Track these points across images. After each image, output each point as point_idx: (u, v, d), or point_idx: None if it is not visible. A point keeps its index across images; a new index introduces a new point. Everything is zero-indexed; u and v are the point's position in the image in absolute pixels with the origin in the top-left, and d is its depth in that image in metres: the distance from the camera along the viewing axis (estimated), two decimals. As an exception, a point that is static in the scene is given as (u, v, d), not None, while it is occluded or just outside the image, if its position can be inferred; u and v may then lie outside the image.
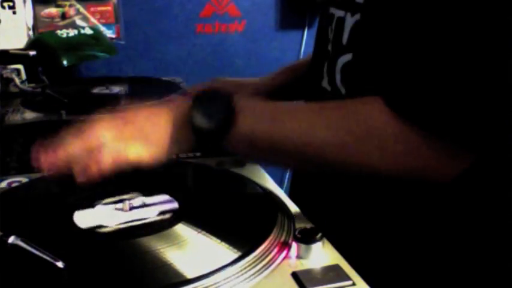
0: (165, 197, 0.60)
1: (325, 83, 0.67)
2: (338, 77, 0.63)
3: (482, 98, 0.48)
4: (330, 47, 0.66)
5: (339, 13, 0.64)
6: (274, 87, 0.90)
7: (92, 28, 1.27)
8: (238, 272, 0.45)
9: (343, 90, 0.63)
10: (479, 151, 0.51)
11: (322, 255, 0.49)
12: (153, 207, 0.57)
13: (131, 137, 0.56)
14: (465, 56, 0.48)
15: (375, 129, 0.52)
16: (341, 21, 0.63)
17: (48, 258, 0.45)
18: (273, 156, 0.58)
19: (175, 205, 0.58)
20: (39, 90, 1.11)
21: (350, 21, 0.61)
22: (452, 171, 0.52)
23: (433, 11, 0.50)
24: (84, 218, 0.55)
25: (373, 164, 0.53)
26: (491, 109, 0.48)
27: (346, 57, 0.62)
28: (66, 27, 1.27)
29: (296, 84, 0.89)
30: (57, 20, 1.34)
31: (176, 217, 0.55)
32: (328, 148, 0.54)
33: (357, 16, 0.60)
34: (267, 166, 0.72)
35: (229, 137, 0.56)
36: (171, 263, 0.46)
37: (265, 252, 0.48)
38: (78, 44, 1.19)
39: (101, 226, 0.54)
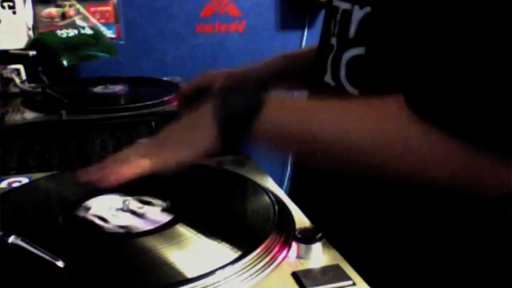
0: (165, 196, 0.59)
1: (328, 78, 0.65)
2: (343, 71, 0.62)
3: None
4: (334, 41, 0.65)
5: (345, 6, 0.62)
6: (266, 74, 0.89)
7: (92, 28, 1.27)
8: (238, 272, 0.45)
9: (347, 86, 0.61)
10: None
11: (322, 255, 0.49)
12: (152, 207, 0.57)
13: (159, 146, 0.61)
14: (495, 57, 0.45)
15: (410, 138, 0.50)
16: (347, 14, 0.61)
17: (48, 257, 0.45)
18: (297, 148, 0.58)
19: (175, 205, 0.58)
20: (39, 90, 1.11)
21: (358, 14, 0.59)
22: (502, 182, 0.49)
23: (455, 5, 0.47)
24: (84, 218, 0.55)
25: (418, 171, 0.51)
26: None
27: (353, 52, 0.60)
28: (66, 27, 1.27)
29: (291, 73, 0.89)
30: (57, 20, 1.34)
31: (176, 217, 0.55)
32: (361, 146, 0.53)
33: (367, 9, 0.58)
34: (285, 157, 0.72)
35: (256, 124, 0.55)
36: (171, 263, 0.46)
37: (265, 252, 0.48)
38: (78, 44, 1.19)
39: (100, 226, 0.54)
